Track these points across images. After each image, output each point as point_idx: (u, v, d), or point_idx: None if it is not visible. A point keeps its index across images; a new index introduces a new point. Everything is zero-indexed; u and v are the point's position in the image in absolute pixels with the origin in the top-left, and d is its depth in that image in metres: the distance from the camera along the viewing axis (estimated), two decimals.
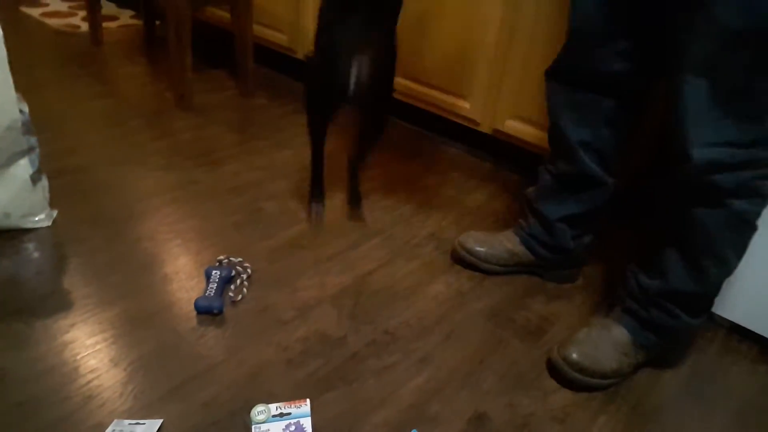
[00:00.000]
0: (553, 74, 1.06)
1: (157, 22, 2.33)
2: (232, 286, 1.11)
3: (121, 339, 0.98)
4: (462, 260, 1.25)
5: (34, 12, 2.52)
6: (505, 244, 1.23)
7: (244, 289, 1.11)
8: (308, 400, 0.87)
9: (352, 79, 1.13)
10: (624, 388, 1.00)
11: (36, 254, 1.16)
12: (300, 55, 2.01)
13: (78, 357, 0.93)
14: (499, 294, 1.20)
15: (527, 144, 1.54)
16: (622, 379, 1.01)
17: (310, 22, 1.93)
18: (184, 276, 1.14)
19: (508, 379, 0.99)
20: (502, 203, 1.52)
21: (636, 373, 1.03)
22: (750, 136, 0.81)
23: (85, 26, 2.35)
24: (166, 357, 0.95)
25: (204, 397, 0.89)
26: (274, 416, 0.84)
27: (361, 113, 1.25)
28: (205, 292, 1.07)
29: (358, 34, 1.11)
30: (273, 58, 2.13)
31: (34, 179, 1.18)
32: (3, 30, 1.02)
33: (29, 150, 1.17)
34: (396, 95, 1.74)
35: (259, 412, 0.84)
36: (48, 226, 1.22)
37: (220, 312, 1.05)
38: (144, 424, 0.82)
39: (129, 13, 2.68)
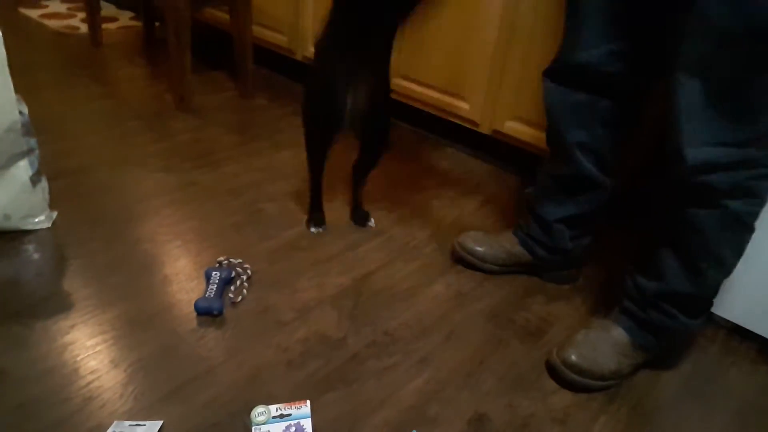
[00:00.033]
0: (550, 75, 1.06)
1: (157, 24, 2.33)
2: (232, 288, 1.11)
3: (122, 340, 0.98)
4: (461, 260, 1.25)
5: (34, 13, 2.52)
6: (504, 244, 1.23)
7: (244, 291, 1.11)
8: (308, 401, 0.87)
9: (348, 111, 1.15)
10: (624, 389, 1.00)
11: (36, 256, 1.16)
12: (299, 56, 2.01)
13: (78, 358, 0.93)
14: (498, 295, 1.20)
15: (527, 145, 1.54)
16: (621, 380, 1.01)
17: (309, 23, 1.93)
18: (183, 277, 1.14)
19: (508, 380, 0.99)
20: (501, 204, 1.52)
21: (636, 373, 1.03)
22: (744, 135, 0.81)
23: (84, 28, 2.35)
24: (166, 358, 0.95)
25: (204, 398, 0.89)
26: (274, 417, 0.84)
27: (359, 140, 1.27)
28: (205, 293, 1.07)
29: (353, 68, 1.13)
30: (272, 59, 2.13)
31: (34, 181, 1.18)
32: (2, 31, 1.02)
33: (29, 151, 1.17)
34: (396, 96, 1.75)
35: (259, 413, 0.84)
36: (48, 228, 1.22)
37: (220, 313, 1.05)
38: (144, 425, 0.82)
39: (128, 14, 2.68)
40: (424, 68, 1.67)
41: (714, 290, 0.97)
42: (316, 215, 1.33)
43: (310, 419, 0.84)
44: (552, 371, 1.00)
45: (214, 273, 1.11)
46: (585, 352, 0.98)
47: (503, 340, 1.08)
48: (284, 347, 1.00)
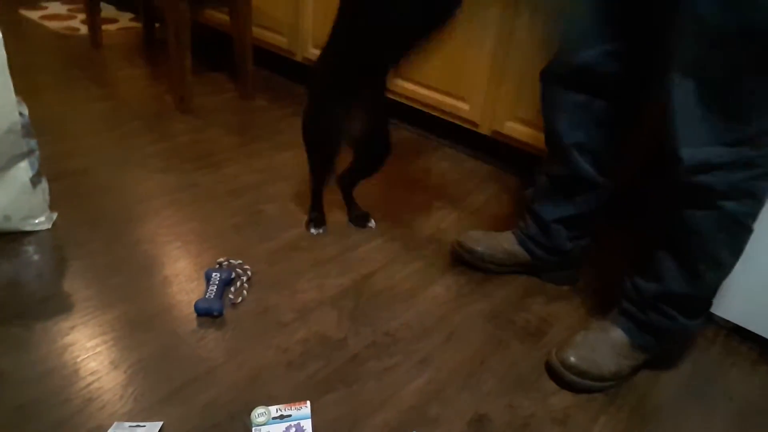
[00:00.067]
0: (547, 75, 1.07)
1: (157, 25, 2.33)
2: (232, 289, 1.11)
3: (121, 341, 0.98)
4: (460, 259, 1.26)
5: (34, 15, 2.52)
6: (503, 244, 1.23)
7: (244, 291, 1.11)
8: (308, 402, 0.87)
9: (346, 136, 1.18)
10: (624, 389, 1.00)
11: (36, 257, 1.16)
12: (299, 57, 2.01)
13: (78, 359, 0.93)
14: (498, 295, 1.20)
15: (526, 145, 1.54)
16: (621, 381, 1.01)
17: (309, 25, 1.93)
18: (183, 278, 1.14)
19: (509, 381, 0.99)
20: (501, 205, 1.53)
21: (636, 374, 1.03)
22: (738, 135, 0.81)
23: (84, 29, 2.35)
24: (166, 359, 0.95)
25: (204, 399, 0.89)
26: (274, 418, 0.84)
27: (356, 157, 1.29)
28: (205, 294, 1.07)
29: (351, 96, 1.14)
30: (272, 60, 2.13)
31: (34, 182, 1.19)
32: (2, 33, 1.02)
33: (29, 153, 1.17)
34: (396, 97, 1.75)
35: (259, 414, 0.84)
36: (48, 229, 1.22)
37: (220, 314, 1.05)
38: (144, 426, 0.82)
39: (128, 15, 2.68)
40: (425, 69, 1.67)
41: (713, 291, 0.97)
42: (316, 216, 1.33)
43: (310, 420, 0.84)
44: (551, 372, 1.00)
45: (214, 274, 1.11)
46: (584, 354, 0.98)
47: (503, 341, 1.08)
48: (284, 348, 1.00)
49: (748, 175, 0.83)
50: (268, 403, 0.86)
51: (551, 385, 0.99)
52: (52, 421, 0.83)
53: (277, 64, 2.15)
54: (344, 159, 1.27)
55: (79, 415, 0.84)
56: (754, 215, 0.88)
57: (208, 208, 1.36)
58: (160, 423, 0.83)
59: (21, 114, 1.12)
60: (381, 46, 1.05)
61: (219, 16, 2.14)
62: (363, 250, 1.28)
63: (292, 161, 1.59)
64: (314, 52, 1.95)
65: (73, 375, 0.90)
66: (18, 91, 1.10)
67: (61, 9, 2.64)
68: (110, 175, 1.44)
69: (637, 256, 1.02)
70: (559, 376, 0.98)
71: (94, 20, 2.21)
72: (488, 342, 1.07)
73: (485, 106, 1.59)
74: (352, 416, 0.89)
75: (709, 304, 1.00)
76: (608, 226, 1.41)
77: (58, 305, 1.03)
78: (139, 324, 1.01)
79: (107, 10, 2.66)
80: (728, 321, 1.14)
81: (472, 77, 1.58)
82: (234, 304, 1.08)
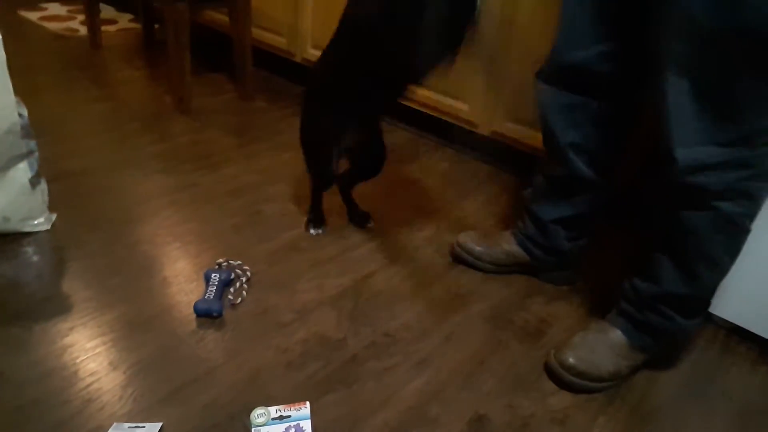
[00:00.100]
0: (542, 76, 1.07)
1: (156, 26, 2.33)
2: (232, 289, 1.11)
3: (121, 342, 0.97)
4: (459, 259, 1.26)
5: (33, 16, 2.52)
6: (502, 244, 1.23)
7: (244, 292, 1.11)
8: (308, 403, 0.87)
9: (342, 147, 1.20)
10: (624, 389, 1.00)
11: (35, 258, 1.16)
12: (298, 58, 2.01)
13: (77, 360, 0.93)
14: (498, 296, 1.20)
15: (525, 146, 1.54)
16: (620, 381, 1.01)
17: (308, 25, 1.93)
18: (183, 279, 1.14)
19: (508, 381, 0.99)
20: (500, 205, 1.53)
21: (635, 374, 1.03)
22: (732, 135, 0.81)
23: (83, 30, 2.35)
24: (166, 360, 0.95)
25: (203, 400, 0.89)
26: (273, 419, 0.84)
27: (352, 164, 1.31)
28: (205, 295, 1.07)
29: (347, 111, 1.14)
30: (272, 60, 2.13)
31: (33, 183, 1.18)
32: (2, 34, 1.02)
33: (28, 154, 1.17)
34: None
35: (258, 414, 0.84)
36: (47, 230, 1.22)
37: (220, 315, 1.05)
38: (144, 427, 0.82)
39: (128, 16, 2.68)
40: None
41: (710, 291, 0.97)
42: (315, 217, 1.33)
43: (309, 420, 0.84)
44: (550, 373, 1.00)
45: (213, 275, 1.11)
46: (582, 355, 0.98)
47: (503, 341, 1.08)
48: (284, 348, 1.00)
49: (743, 175, 0.83)
50: (267, 404, 0.86)
51: (550, 386, 0.99)
52: (51, 422, 0.83)
53: (277, 64, 2.15)
54: (343, 159, 1.27)
55: (79, 416, 0.84)
56: (750, 216, 0.88)
57: (207, 209, 1.36)
58: (160, 424, 0.83)
59: (20, 115, 1.12)
60: (378, 76, 1.05)
61: (218, 17, 2.14)
62: (362, 251, 1.28)
63: (291, 162, 1.59)
64: (313, 53, 1.95)
65: (73, 376, 0.90)
66: (17, 92, 1.10)
67: (60, 10, 2.64)
68: (109, 176, 1.44)
69: (634, 257, 1.02)
70: (558, 376, 0.98)
71: (93, 21, 2.21)
72: (488, 342, 1.07)
73: (484, 106, 1.59)
74: (352, 417, 0.89)
75: (707, 304, 1.00)
76: (608, 226, 1.41)
77: (57, 306, 1.03)
78: (139, 325, 1.01)
79: (107, 11, 2.67)
80: (727, 321, 1.14)
81: (471, 78, 1.58)
82: (233, 305, 1.08)
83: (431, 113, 1.73)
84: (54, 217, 1.24)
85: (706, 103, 0.81)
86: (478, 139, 1.66)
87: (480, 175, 1.67)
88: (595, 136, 1.05)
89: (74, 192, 1.36)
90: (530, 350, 1.06)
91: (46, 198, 1.25)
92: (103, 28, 2.31)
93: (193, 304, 1.05)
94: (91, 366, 0.92)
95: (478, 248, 1.24)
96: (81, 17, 2.48)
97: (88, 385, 0.89)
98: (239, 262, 1.17)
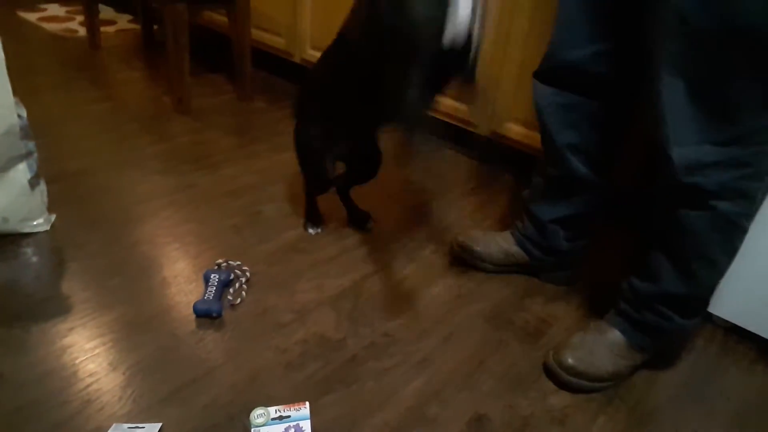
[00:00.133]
0: (539, 76, 1.07)
1: (155, 27, 2.34)
2: (231, 290, 1.11)
3: (120, 343, 0.97)
4: (459, 259, 1.26)
5: (32, 17, 2.52)
6: (501, 244, 1.23)
7: (243, 293, 1.11)
8: (307, 403, 0.87)
9: (334, 151, 1.20)
10: (623, 389, 1.00)
11: (34, 259, 1.16)
12: (297, 59, 2.02)
13: (77, 361, 0.93)
14: (497, 296, 1.20)
15: (525, 146, 1.54)
16: (619, 381, 1.01)
17: (307, 26, 1.94)
18: (182, 279, 1.14)
19: (508, 381, 0.99)
20: (499, 205, 1.53)
21: (634, 374, 1.03)
22: (728, 134, 0.81)
23: (82, 31, 2.35)
24: (165, 360, 0.95)
25: (203, 400, 0.89)
26: (273, 419, 0.84)
27: (347, 166, 1.32)
28: (204, 295, 1.07)
29: (339, 121, 1.15)
30: (271, 61, 2.14)
31: (33, 184, 1.18)
32: (1, 35, 1.02)
33: (27, 154, 1.17)
34: None
35: (258, 415, 0.84)
36: (46, 231, 1.22)
37: (219, 315, 1.05)
38: (143, 427, 0.82)
39: (127, 17, 2.68)
40: None
41: (709, 291, 0.97)
42: (312, 217, 1.33)
43: (309, 421, 0.84)
44: (549, 373, 1.00)
45: (212, 275, 1.11)
46: (581, 355, 0.98)
47: (502, 341, 1.08)
48: (283, 349, 1.00)
49: (739, 174, 0.83)
50: (267, 404, 0.86)
51: (550, 386, 0.99)
52: (50, 422, 0.83)
53: (276, 65, 2.15)
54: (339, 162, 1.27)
55: (78, 416, 0.84)
56: (747, 215, 0.88)
57: (206, 209, 1.36)
58: (159, 424, 0.83)
59: (19, 116, 1.12)
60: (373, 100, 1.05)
61: (217, 18, 2.15)
62: (362, 251, 1.29)
63: (290, 162, 1.58)
64: (312, 53, 1.95)
65: (72, 377, 0.90)
66: (16, 93, 1.10)
67: (59, 11, 2.64)
68: (109, 177, 1.44)
69: (632, 257, 1.03)
70: (557, 377, 0.98)
71: (92, 22, 2.21)
72: (487, 342, 1.07)
73: (484, 107, 1.59)
74: (351, 417, 0.89)
75: (706, 303, 1.00)
76: (607, 226, 1.41)
77: (56, 307, 1.03)
78: (138, 325, 1.01)
79: (105, 12, 2.67)
80: (726, 320, 1.14)
81: None
82: (233, 305, 1.08)
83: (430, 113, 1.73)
84: (53, 217, 1.24)
85: (701, 102, 0.81)
86: (477, 139, 1.66)
87: (479, 175, 1.67)
88: (592, 136, 1.06)
89: (73, 193, 1.36)
90: (530, 350, 1.06)
91: (46, 199, 1.25)
92: (102, 28, 2.31)
93: (192, 304, 1.05)
94: (91, 367, 0.92)
95: (477, 248, 1.24)
96: (80, 18, 2.48)
97: (88, 386, 0.89)
98: (238, 262, 1.17)
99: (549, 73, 1.05)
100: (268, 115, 1.90)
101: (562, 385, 0.98)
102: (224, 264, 1.17)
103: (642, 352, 1.01)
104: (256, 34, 2.01)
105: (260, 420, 0.84)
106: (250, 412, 0.85)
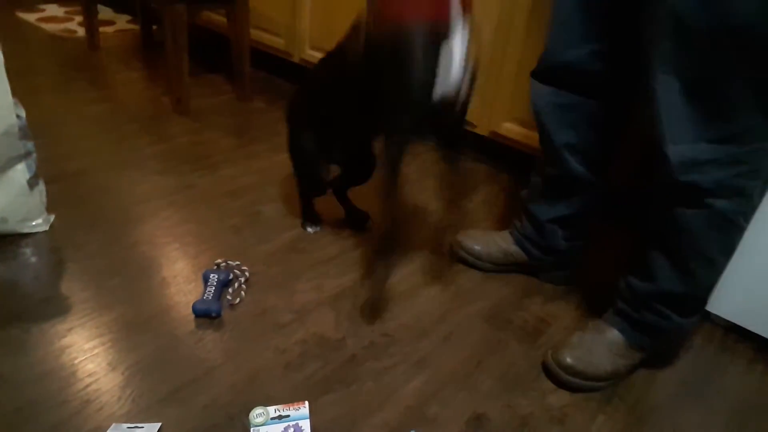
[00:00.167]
0: (536, 76, 1.07)
1: (154, 27, 2.34)
2: (230, 290, 1.11)
3: (119, 343, 0.97)
4: (458, 258, 1.26)
5: (31, 17, 2.52)
6: (500, 243, 1.24)
7: (242, 293, 1.11)
8: (307, 403, 0.87)
9: (327, 157, 1.22)
10: (622, 388, 1.00)
11: (33, 259, 1.16)
12: (296, 59, 2.02)
13: (76, 361, 0.93)
14: (496, 295, 1.20)
15: (524, 146, 1.54)
16: (618, 380, 1.01)
17: (306, 26, 1.94)
18: (181, 279, 1.14)
19: (507, 380, 0.99)
20: (498, 205, 1.53)
21: (633, 373, 1.03)
22: (723, 132, 0.81)
23: (81, 31, 2.35)
24: (164, 360, 0.95)
25: (202, 400, 0.89)
26: (272, 419, 0.84)
27: (342, 169, 1.33)
28: (203, 295, 1.07)
29: (333, 127, 1.16)
30: (270, 61, 2.14)
31: (31, 184, 1.18)
32: None
33: (26, 155, 1.17)
34: None
35: (257, 414, 0.84)
36: (45, 231, 1.22)
37: (218, 315, 1.05)
38: (142, 427, 0.82)
39: (126, 17, 2.68)
40: None
41: (707, 289, 0.97)
42: (309, 216, 1.33)
43: (308, 420, 0.84)
44: (548, 373, 1.00)
45: (212, 275, 1.11)
46: (580, 354, 0.98)
47: (501, 341, 1.08)
48: (282, 349, 1.00)
49: (735, 172, 0.83)
50: (266, 404, 0.86)
51: (549, 385, 0.99)
52: (50, 423, 0.83)
53: (275, 65, 2.15)
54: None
55: (77, 416, 0.84)
56: (744, 213, 0.88)
57: (206, 210, 1.36)
58: (159, 424, 0.83)
59: (18, 116, 1.12)
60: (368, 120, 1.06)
61: (216, 18, 2.14)
62: (361, 251, 1.29)
63: (289, 163, 1.59)
64: (311, 53, 1.95)
65: (71, 377, 0.90)
66: (15, 93, 1.10)
67: (58, 11, 2.64)
68: (108, 177, 1.44)
69: (630, 256, 1.03)
70: (556, 376, 0.99)
71: (91, 22, 2.21)
72: (486, 342, 1.07)
73: (483, 107, 1.59)
74: (351, 416, 0.89)
75: (704, 302, 1.00)
76: (606, 226, 1.41)
77: (55, 307, 1.03)
78: (137, 325, 1.01)
79: (104, 13, 2.67)
80: (725, 319, 1.15)
81: None
82: (232, 305, 1.08)
83: None
84: (52, 218, 1.24)
85: (696, 100, 0.81)
86: (476, 139, 1.66)
87: (478, 174, 1.67)
88: (589, 136, 1.06)
89: (72, 193, 1.36)
90: (529, 350, 1.06)
91: (45, 199, 1.25)
92: (101, 29, 2.31)
93: (191, 304, 1.05)
94: (90, 367, 0.92)
95: (476, 247, 1.24)
96: (79, 18, 2.48)
97: (87, 386, 0.89)
98: (238, 262, 1.17)
99: (546, 72, 1.05)
100: (268, 116, 1.90)
101: (561, 385, 0.99)
102: (223, 264, 1.17)
103: (641, 351, 1.01)
104: (255, 34, 2.01)
105: (259, 420, 0.84)
106: (250, 411, 0.85)
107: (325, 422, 0.87)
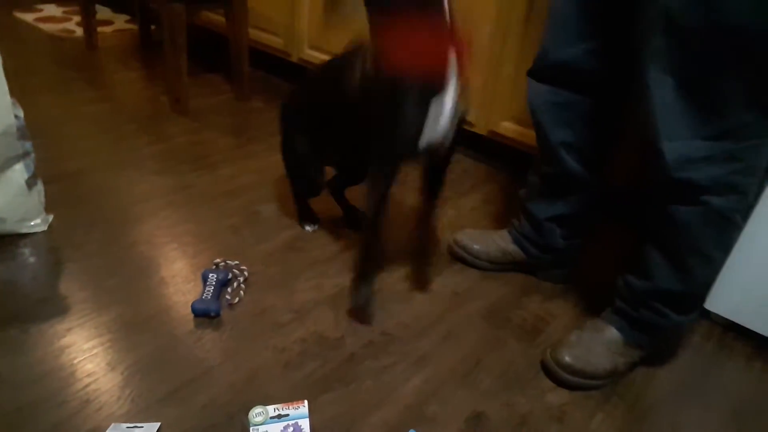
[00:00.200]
0: (533, 74, 1.07)
1: (153, 27, 2.33)
2: (229, 289, 1.11)
3: (118, 343, 0.97)
4: (457, 257, 1.26)
5: (29, 17, 2.51)
6: (499, 242, 1.24)
7: (241, 292, 1.11)
8: (306, 402, 0.87)
9: (321, 160, 1.23)
10: (621, 387, 1.01)
11: (32, 259, 1.16)
12: (295, 58, 2.02)
13: (75, 361, 0.93)
14: (495, 294, 1.20)
15: (522, 145, 1.54)
16: (617, 378, 1.01)
17: (305, 25, 1.94)
18: (180, 279, 1.14)
19: (506, 379, 0.99)
20: (497, 204, 1.53)
21: (631, 371, 1.03)
22: (718, 129, 0.82)
23: (79, 31, 2.35)
24: (164, 360, 0.95)
25: (202, 399, 0.89)
26: (272, 418, 0.84)
27: (337, 170, 1.34)
28: (202, 295, 1.07)
29: (325, 131, 1.16)
30: (268, 61, 2.13)
31: (30, 184, 1.18)
32: None
33: (24, 155, 1.17)
34: None
35: (257, 413, 0.84)
36: (44, 231, 1.22)
37: (217, 315, 1.05)
38: (142, 427, 0.82)
39: (124, 17, 2.68)
40: None
41: (704, 287, 0.98)
42: (306, 215, 1.34)
43: (308, 419, 0.85)
44: (547, 371, 1.01)
45: (210, 275, 1.11)
46: (578, 353, 0.98)
47: (500, 339, 1.08)
48: (281, 348, 1.00)
49: (731, 169, 0.83)
50: (265, 403, 0.86)
51: (548, 383, 1.00)
52: (49, 423, 0.83)
53: (273, 65, 2.15)
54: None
55: (77, 416, 0.84)
56: (740, 210, 0.88)
57: (204, 210, 1.36)
58: (158, 424, 0.83)
59: (16, 116, 1.12)
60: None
61: (215, 18, 2.14)
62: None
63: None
64: (310, 53, 1.95)
65: (70, 377, 0.90)
66: (13, 93, 1.09)
67: (56, 11, 2.64)
68: (106, 177, 1.44)
69: (628, 254, 1.03)
70: (554, 375, 0.99)
71: (89, 22, 2.21)
72: (485, 340, 1.08)
73: (481, 105, 1.59)
74: (350, 415, 0.89)
75: (701, 300, 1.01)
76: (603, 224, 1.41)
77: (54, 307, 1.03)
78: (136, 325, 1.01)
79: (102, 13, 2.66)
80: (723, 317, 1.15)
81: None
82: (231, 305, 1.08)
83: None
84: (51, 218, 1.24)
85: (689, 97, 0.81)
86: (475, 138, 1.66)
87: (477, 173, 1.67)
88: (585, 134, 1.06)
89: (71, 193, 1.36)
90: (527, 348, 1.07)
91: (43, 199, 1.25)
92: (99, 29, 2.31)
93: (190, 304, 1.05)
94: (89, 367, 0.92)
95: (475, 246, 1.24)
96: (77, 18, 2.48)
97: (86, 386, 0.89)
98: (236, 262, 1.17)
99: (543, 71, 1.05)
100: (266, 115, 1.90)
101: (560, 383, 0.99)
102: (222, 263, 1.17)
103: (639, 349, 1.01)
104: (254, 33, 2.01)
105: (259, 419, 0.84)
106: (249, 411, 0.85)
107: (325, 421, 0.88)
